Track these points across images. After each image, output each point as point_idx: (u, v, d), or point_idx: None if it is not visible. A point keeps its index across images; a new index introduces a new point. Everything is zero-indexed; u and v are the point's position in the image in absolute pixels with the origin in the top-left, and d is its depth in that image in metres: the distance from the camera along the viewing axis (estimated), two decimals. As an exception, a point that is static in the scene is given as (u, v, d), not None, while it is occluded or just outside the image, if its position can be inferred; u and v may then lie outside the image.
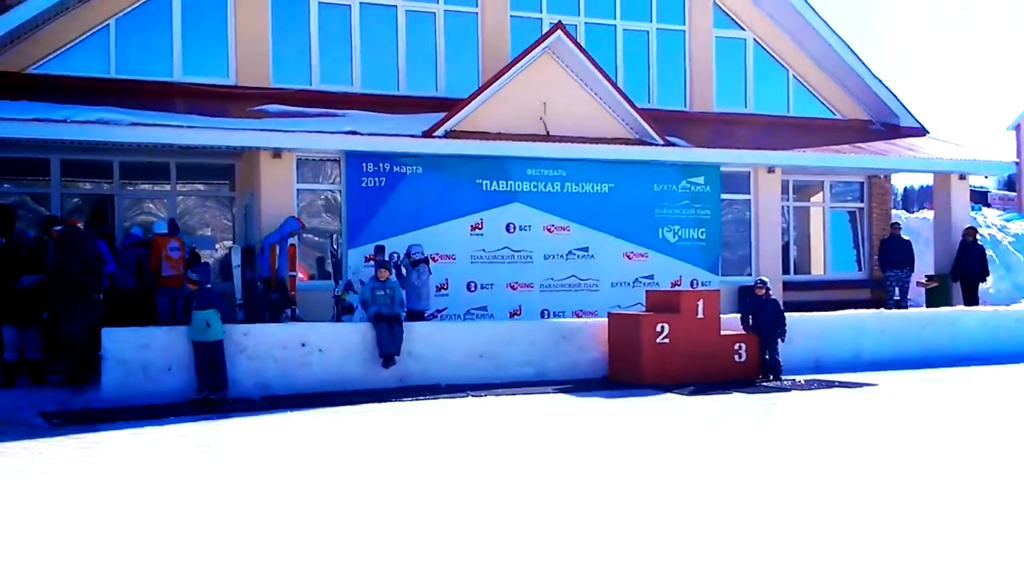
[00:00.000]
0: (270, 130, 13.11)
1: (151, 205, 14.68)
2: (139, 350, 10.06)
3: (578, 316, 13.46)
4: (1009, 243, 22.76)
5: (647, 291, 12.85)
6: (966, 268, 16.50)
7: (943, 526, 4.96)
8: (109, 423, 8.67)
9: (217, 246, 14.71)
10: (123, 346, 9.98)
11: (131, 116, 12.47)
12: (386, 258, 12.27)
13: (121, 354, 9.95)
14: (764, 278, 12.70)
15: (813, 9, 17.36)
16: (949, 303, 16.35)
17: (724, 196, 15.88)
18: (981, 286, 16.85)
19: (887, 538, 4.73)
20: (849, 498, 5.61)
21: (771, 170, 16.43)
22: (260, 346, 10.50)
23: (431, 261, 12.86)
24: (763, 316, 11.75)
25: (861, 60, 17.84)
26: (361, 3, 15.11)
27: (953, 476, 6.28)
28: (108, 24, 13.79)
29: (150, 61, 13.99)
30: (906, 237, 16.66)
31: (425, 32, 15.46)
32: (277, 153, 13.31)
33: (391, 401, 9.95)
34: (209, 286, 10.66)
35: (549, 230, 14.39)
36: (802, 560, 4.39)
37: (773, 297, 12.24)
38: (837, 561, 4.37)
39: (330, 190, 14.05)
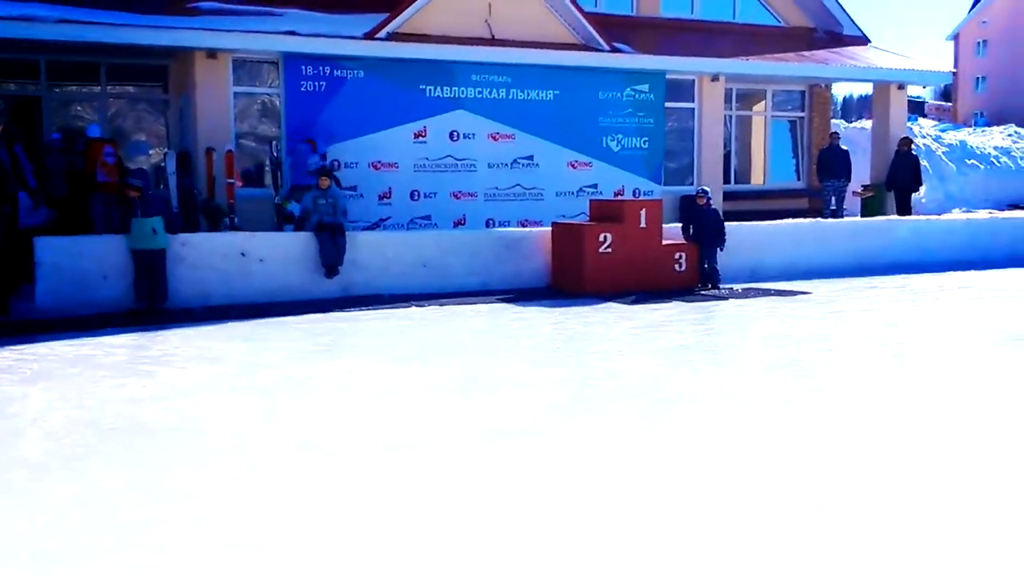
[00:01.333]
0: (204, 29, 12.62)
1: (79, 108, 14.12)
2: (74, 258, 9.84)
3: (523, 225, 13.49)
4: (943, 153, 23.24)
5: (591, 201, 12.91)
6: (900, 178, 16.84)
7: (864, 425, 5.24)
8: (46, 334, 8.54)
9: (150, 152, 14.28)
10: (58, 254, 9.76)
11: (57, 12, 11.90)
12: (328, 164, 12.07)
13: (56, 262, 9.73)
14: (705, 187, 12.84)
15: (760, -89, 17.10)
16: (884, 213, 16.73)
17: (668, 104, 15.85)
18: (914, 196, 17.25)
19: (812, 441, 4.98)
20: (778, 402, 5.87)
21: (715, 78, 16.40)
22: (200, 256, 10.35)
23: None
24: (703, 226, 11.94)
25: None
26: None
27: (874, 376, 6.61)
28: (29, -88, 12.97)
29: (78, -46, 13.25)
30: (844, 147, 16.89)
31: (368, -75, 14.84)
32: (212, 54, 12.83)
33: (334, 311, 9.96)
34: (152, 193, 10.42)
35: (494, 138, 14.25)
36: (723, 465, 4.60)
37: (714, 207, 12.41)
38: (762, 464, 4.59)
39: (268, 94, 13.65)
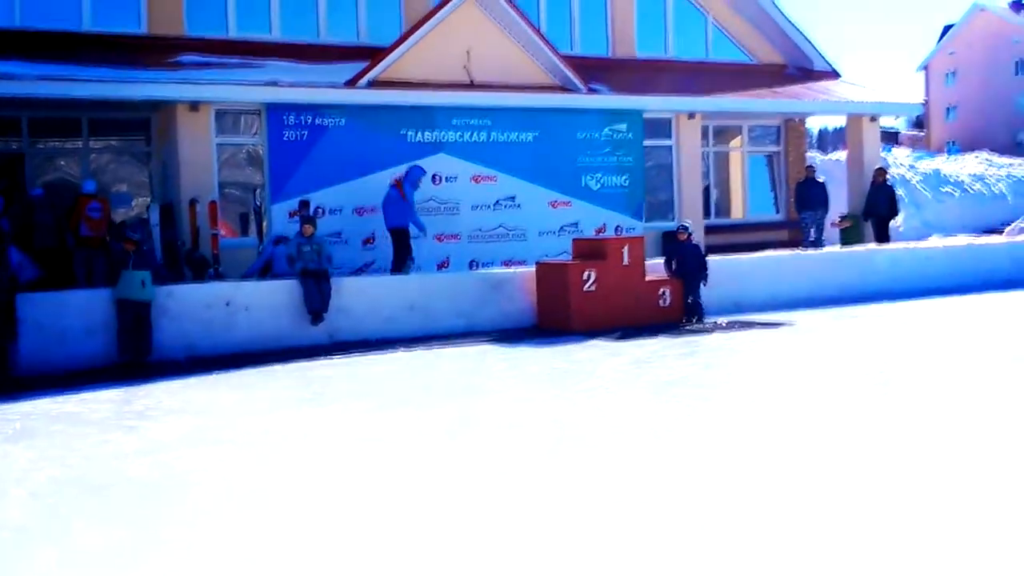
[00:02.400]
0: (186, 82, 12.74)
1: (63, 162, 14.18)
2: (57, 314, 9.77)
3: (507, 266, 13.57)
4: (917, 182, 23.58)
5: (574, 239, 13.02)
6: (877, 208, 17.05)
7: (854, 452, 5.28)
8: (30, 391, 8.48)
9: (133, 204, 14.32)
10: (40, 311, 9.68)
11: (38, 69, 11.98)
12: (311, 213, 12.15)
13: (38, 319, 9.67)
14: (686, 223, 12.97)
15: (730, -46, 17.51)
16: (862, 242, 16.92)
17: (646, 143, 16.06)
18: (891, 224, 17.47)
19: (804, 467, 5.02)
20: (767, 432, 5.91)
21: (692, 116, 16.65)
22: (184, 307, 10.33)
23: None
24: (685, 261, 12.06)
25: (775, 4, 18.15)
26: (278, -54, 14.68)
27: (863, 406, 6.67)
28: (9, -29, 13.14)
29: (57, 10, 13.40)
30: (821, 179, 17.14)
31: (345, -24, 15.12)
32: (194, 106, 12.94)
33: (321, 358, 9.96)
34: (146, 248, 10.46)
35: (476, 180, 14.39)
36: (721, 497, 4.63)
37: (695, 242, 12.53)
38: (756, 495, 4.62)
39: (251, 143, 13.76)
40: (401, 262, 12.50)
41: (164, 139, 13.66)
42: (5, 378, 9.13)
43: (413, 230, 12.74)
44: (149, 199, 13.89)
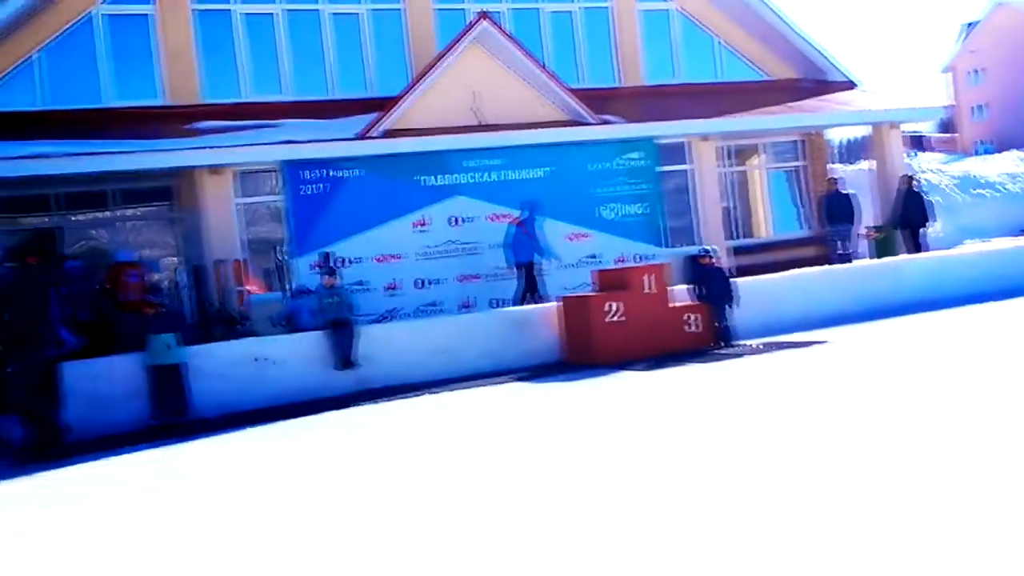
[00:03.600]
0: (206, 147, 13.10)
1: (95, 232, 14.59)
2: (98, 380, 9.99)
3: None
4: (947, 185, 23.24)
5: (595, 270, 12.99)
6: (906, 216, 16.64)
7: (905, 479, 5.12)
8: (71, 458, 8.66)
9: (163, 267, 14.67)
10: (81, 378, 9.92)
11: (66, 147, 12.40)
12: (332, 264, 12.35)
13: (79, 386, 9.90)
14: (709, 247, 12.83)
15: (733, -27, 17.57)
16: (894, 253, 16.57)
17: (662, 168, 16.07)
18: (928, 232, 17.01)
19: (853, 495, 4.93)
20: (812, 458, 5.75)
21: (706, 138, 16.66)
22: (216, 365, 10.51)
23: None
24: (711, 285, 11.93)
25: (782, 18, 18.03)
26: (285, 10, 15.10)
27: (907, 429, 6.39)
28: (32, 56, 13.68)
29: (79, 89, 13.91)
30: (847, 191, 16.80)
31: (351, 33, 15.48)
32: (215, 169, 13.30)
33: (351, 407, 10.03)
34: (165, 309, 10.71)
35: (493, 219, 14.51)
36: (774, 530, 4.57)
37: (719, 265, 12.42)
38: (806, 527, 4.56)
39: (272, 201, 14.07)
40: (531, 291, 13.09)
41: (188, 203, 14.01)
42: (55, 443, 9.28)
43: (540, 260, 13.46)
44: (177, 262, 14.22)
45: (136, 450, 8.76)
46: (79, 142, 12.66)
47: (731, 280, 12.06)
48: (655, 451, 6.46)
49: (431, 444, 7.72)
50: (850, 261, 16.15)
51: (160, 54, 14.33)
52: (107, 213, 14.38)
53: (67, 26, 13.91)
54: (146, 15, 14.40)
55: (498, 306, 13.79)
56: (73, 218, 14.31)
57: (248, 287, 13.11)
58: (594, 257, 14.91)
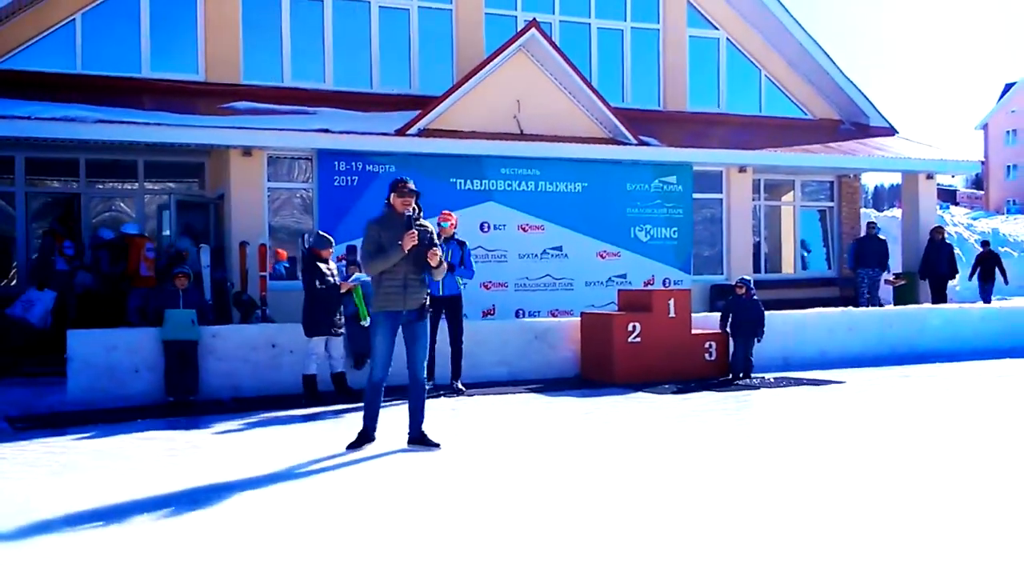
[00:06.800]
0: (240, 127, 12.98)
1: (120, 204, 14.49)
2: (106, 351, 9.91)
3: (553, 315, 13.47)
4: (975, 241, 23.07)
5: (619, 290, 12.88)
6: (934, 267, 16.70)
7: (910, 517, 5.03)
8: (76, 427, 8.54)
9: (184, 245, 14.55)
10: (89, 347, 9.83)
11: (97, 113, 12.29)
12: (358, 258, 12.18)
13: (88, 356, 9.81)
14: (746, 277, 12.67)
15: (786, 9, 17.49)
16: (916, 301, 16.54)
17: (696, 195, 15.95)
18: (949, 284, 17.08)
19: (857, 529, 4.78)
20: (820, 493, 5.67)
21: (743, 169, 16.53)
22: (231, 347, 10.38)
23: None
24: (743, 315, 11.75)
25: (832, 61, 18.00)
26: (334, -1, 15.02)
27: (917, 469, 6.38)
28: (74, 19, 13.60)
29: (118, 57, 13.81)
30: (882, 237, 16.85)
31: (399, 29, 15.39)
32: (247, 151, 13.18)
33: (360, 403, 9.85)
34: (191, 285, 10.58)
35: (524, 229, 14.38)
36: (778, 556, 4.42)
37: (755, 297, 12.24)
38: (812, 555, 4.41)
39: (302, 188, 13.94)
40: None
41: (217, 182, 13.90)
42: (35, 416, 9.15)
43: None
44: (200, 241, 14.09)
45: (141, 426, 8.59)
46: (111, 109, 12.56)
47: (763, 313, 11.89)
48: (666, 473, 6.33)
49: (442, 450, 7.55)
50: (879, 305, 16.06)
51: (203, 29, 14.24)
52: (134, 185, 14.28)
53: (111, -10, 13.87)
54: (193, -13, 14.34)
55: (522, 316, 13.64)
56: (99, 186, 14.21)
57: (279, 253, 13.05)
58: (623, 276, 14.81)
